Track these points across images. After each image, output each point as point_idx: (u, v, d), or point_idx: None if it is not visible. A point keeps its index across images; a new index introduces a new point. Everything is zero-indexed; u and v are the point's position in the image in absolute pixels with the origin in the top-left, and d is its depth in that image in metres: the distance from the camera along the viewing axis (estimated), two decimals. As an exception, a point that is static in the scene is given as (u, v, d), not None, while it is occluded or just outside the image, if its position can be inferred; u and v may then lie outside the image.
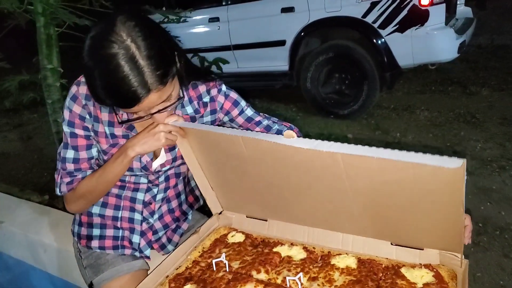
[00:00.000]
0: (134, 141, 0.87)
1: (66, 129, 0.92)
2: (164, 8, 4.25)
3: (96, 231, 1.06)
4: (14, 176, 3.19)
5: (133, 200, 1.03)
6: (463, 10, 3.91)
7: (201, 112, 1.00)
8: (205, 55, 2.75)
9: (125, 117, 0.89)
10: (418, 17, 3.12)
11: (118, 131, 0.94)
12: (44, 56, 2.26)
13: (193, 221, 1.18)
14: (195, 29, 4.21)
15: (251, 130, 1.03)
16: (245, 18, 3.92)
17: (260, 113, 1.08)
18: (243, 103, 1.05)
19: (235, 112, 1.04)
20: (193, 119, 1.00)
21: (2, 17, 2.40)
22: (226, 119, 1.05)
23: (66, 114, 0.91)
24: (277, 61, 3.89)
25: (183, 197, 1.13)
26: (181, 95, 0.85)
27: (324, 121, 3.73)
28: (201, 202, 1.21)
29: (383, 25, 3.28)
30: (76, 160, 0.93)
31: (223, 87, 1.02)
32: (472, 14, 3.98)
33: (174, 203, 1.10)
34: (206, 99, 1.00)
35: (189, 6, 3.90)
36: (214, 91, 1.01)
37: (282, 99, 4.44)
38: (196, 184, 1.20)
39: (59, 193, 0.97)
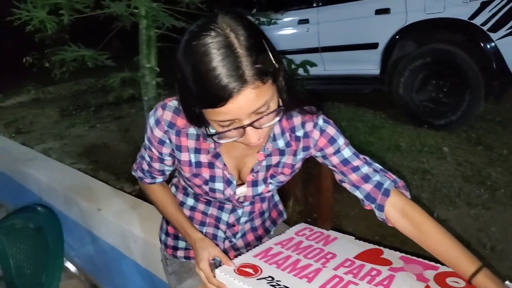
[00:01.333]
0: (198, 257, 0.90)
1: (146, 141, 0.91)
2: (254, 10, 4.35)
3: (181, 244, 1.08)
4: (112, 165, 3.49)
5: (218, 219, 1.01)
6: None
7: (293, 146, 0.90)
8: (292, 57, 2.71)
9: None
10: (540, 18, 2.72)
11: (204, 158, 0.88)
12: (143, 55, 2.42)
13: (275, 234, 1.14)
14: (283, 31, 4.21)
15: (346, 176, 0.90)
16: (336, 20, 3.81)
17: (361, 156, 0.92)
18: (341, 140, 0.89)
19: (330, 150, 0.89)
20: (282, 153, 0.90)
21: (109, 19, 2.61)
22: (318, 154, 0.92)
23: (148, 131, 0.88)
24: (367, 64, 3.70)
25: (266, 214, 1.10)
26: (280, 105, 0.72)
27: (417, 131, 3.44)
28: (285, 216, 1.17)
29: (495, 28, 2.92)
30: (150, 165, 0.95)
31: (320, 121, 0.88)
32: None
33: (258, 222, 1.08)
34: (300, 133, 0.89)
35: (279, 8, 3.95)
36: (309, 125, 0.88)
37: (370, 104, 4.22)
38: (280, 198, 1.17)
39: (132, 173, 1.03)
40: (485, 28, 2.97)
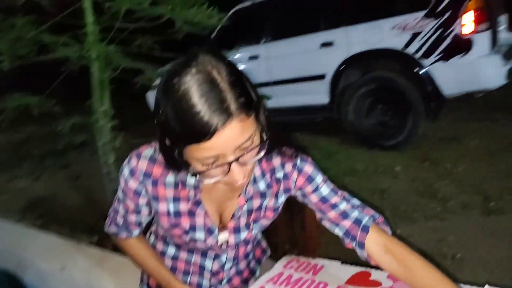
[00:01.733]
0: None
1: (120, 193, 0.87)
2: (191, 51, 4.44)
3: None
4: (64, 217, 3.28)
5: (202, 267, 0.96)
6: (506, 36, 3.79)
7: (274, 188, 0.88)
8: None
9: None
10: (462, 45, 3.08)
11: (184, 207, 0.84)
12: (96, 99, 2.37)
13: (261, 272, 1.09)
14: (235, 68, 4.32)
15: (325, 214, 0.89)
16: (284, 55, 4.00)
17: (339, 192, 0.90)
18: (318, 178, 0.87)
19: (308, 189, 0.87)
20: (263, 196, 0.88)
21: (56, 63, 2.54)
22: (298, 194, 0.90)
23: (122, 182, 0.84)
24: (317, 94, 3.90)
25: (251, 255, 1.06)
26: (265, 139, 0.70)
27: (369, 154, 3.63)
28: (269, 252, 1.13)
29: (426, 55, 3.24)
30: (125, 218, 0.91)
31: (298, 161, 0.87)
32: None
33: (243, 264, 1.04)
34: (280, 174, 0.87)
35: (231, 47, 4.08)
36: (289, 166, 0.86)
37: (324, 132, 4.41)
38: (263, 236, 1.13)
39: (106, 230, 0.98)
40: (417, 55, 3.28)
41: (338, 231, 0.89)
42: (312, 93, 3.92)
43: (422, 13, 3.18)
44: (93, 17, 2.27)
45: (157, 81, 2.98)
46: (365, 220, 0.86)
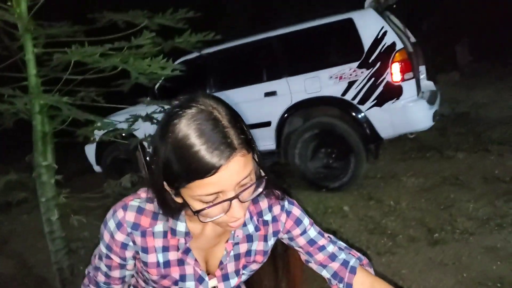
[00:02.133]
0: None
1: (103, 248, 0.83)
2: (148, 99, 4.43)
3: None
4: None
5: None
6: (426, 84, 4.29)
7: (261, 231, 0.88)
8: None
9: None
10: (393, 92, 3.40)
11: (173, 256, 0.82)
12: (39, 153, 2.24)
13: None
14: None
15: (312, 256, 0.90)
16: (231, 103, 4.10)
17: (325, 234, 0.93)
18: (306, 221, 0.89)
19: (296, 231, 0.88)
20: (250, 239, 0.87)
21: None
22: (285, 237, 0.91)
23: (106, 236, 0.80)
24: (264, 141, 4.01)
25: None
26: (262, 175, 0.73)
27: (317, 195, 3.75)
28: None
29: (362, 101, 3.53)
30: (107, 275, 0.87)
31: (286, 203, 0.88)
32: (435, 87, 4.37)
33: None
34: (268, 217, 0.87)
35: (175, 97, 4.09)
36: (277, 209, 0.87)
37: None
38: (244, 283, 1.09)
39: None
40: (355, 102, 3.57)
41: (325, 273, 0.90)
42: (260, 140, 4.02)
43: (356, 64, 3.51)
44: (36, 69, 2.20)
45: (97, 134, 2.90)
46: (352, 261, 0.89)
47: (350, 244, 2.73)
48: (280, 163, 4.12)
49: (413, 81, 3.41)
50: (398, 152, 4.85)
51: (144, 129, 2.63)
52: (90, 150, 5.04)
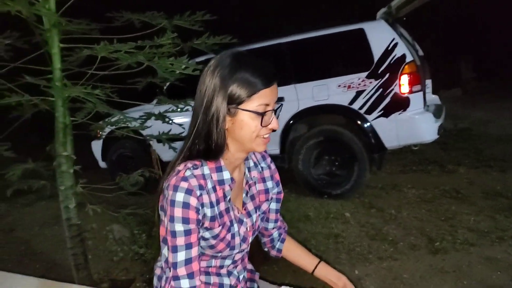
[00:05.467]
0: None
1: (179, 227, 0.87)
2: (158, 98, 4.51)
3: None
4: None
5: (221, 286, 1.04)
6: (432, 98, 4.39)
7: (259, 175, 1.10)
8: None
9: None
10: (400, 103, 3.49)
11: (222, 206, 0.97)
12: (60, 144, 2.31)
13: None
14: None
15: (266, 222, 1.19)
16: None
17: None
18: (280, 189, 1.19)
19: (274, 191, 1.15)
20: (255, 183, 1.09)
21: (7, 109, 2.46)
22: (275, 191, 1.17)
23: (179, 211, 0.87)
24: (269, 145, 4.06)
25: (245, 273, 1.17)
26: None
27: (319, 201, 3.82)
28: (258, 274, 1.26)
29: (369, 111, 3.62)
30: (188, 261, 0.89)
31: (269, 160, 1.17)
32: (440, 101, 4.47)
33: (247, 272, 1.17)
34: (263, 164, 1.13)
35: (184, 98, 4.17)
36: (268, 159, 1.16)
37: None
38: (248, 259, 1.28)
39: None
40: (362, 111, 3.65)
41: (265, 239, 1.23)
42: (266, 144, 4.10)
43: (364, 74, 3.60)
44: (60, 63, 2.28)
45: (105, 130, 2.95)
46: (283, 234, 1.23)
47: (351, 249, 2.80)
48: (283, 168, 4.19)
49: (421, 93, 3.49)
50: (400, 164, 4.94)
51: (156, 128, 2.73)
52: (97, 146, 5.11)
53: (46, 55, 2.27)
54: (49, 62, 2.32)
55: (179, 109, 2.71)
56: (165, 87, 4.67)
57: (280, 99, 3.99)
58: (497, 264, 2.42)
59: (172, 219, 0.87)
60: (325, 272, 1.16)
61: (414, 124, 3.47)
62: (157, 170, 2.85)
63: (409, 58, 3.45)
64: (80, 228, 2.20)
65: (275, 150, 4.13)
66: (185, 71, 2.09)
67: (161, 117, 2.69)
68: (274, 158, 4.07)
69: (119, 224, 3.40)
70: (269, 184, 1.12)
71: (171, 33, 2.26)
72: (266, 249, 1.25)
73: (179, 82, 3.42)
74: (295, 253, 1.21)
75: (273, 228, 1.21)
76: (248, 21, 10.14)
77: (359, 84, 3.62)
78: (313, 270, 1.17)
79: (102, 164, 5.19)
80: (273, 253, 1.23)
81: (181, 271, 0.88)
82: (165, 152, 3.90)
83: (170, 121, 2.64)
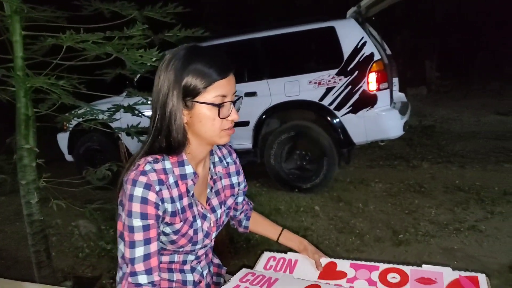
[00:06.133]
0: None
1: (137, 223, 0.85)
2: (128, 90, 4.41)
3: None
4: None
5: (184, 283, 1.04)
6: (398, 95, 4.53)
7: (223, 170, 1.10)
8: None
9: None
10: (368, 100, 3.58)
11: (185, 201, 0.95)
12: (21, 136, 2.22)
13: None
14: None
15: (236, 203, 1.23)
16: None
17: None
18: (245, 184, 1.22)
19: (241, 186, 1.17)
20: (220, 178, 1.10)
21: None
22: (242, 187, 1.18)
23: (137, 206, 0.85)
24: (242, 140, 4.10)
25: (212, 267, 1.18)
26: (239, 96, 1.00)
27: (289, 195, 3.87)
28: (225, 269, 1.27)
29: (338, 107, 3.69)
30: (147, 257, 0.86)
31: (237, 158, 1.17)
32: (406, 99, 4.62)
33: (213, 269, 1.17)
34: (229, 159, 1.13)
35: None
36: (234, 154, 1.16)
37: (245, 175, 4.56)
38: (214, 253, 1.29)
39: None
40: (331, 107, 3.72)
41: (233, 222, 1.30)
42: (238, 138, 4.11)
43: (334, 71, 3.67)
44: (22, 51, 2.19)
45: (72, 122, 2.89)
46: (248, 213, 1.29)
47: (320, 241, 2.87)
48: (255, 163, 4.22)
49: (388, 91, 3.60)
50: (368, 159, 5.08)
51: (125, 120, 2.67)
52: (63, 139, 4.94)
53: (7, 42, 2.17)
54: (10, 50, 2.22)
55: (149, 102, 2.65)
56: (135, 79, 4.57)
57: (253, 94, 4.01)
58: (454, 254, 2.55)
59: (130, 214, 0.85)
60: (288, 238, 1.24)
61: (381, 121, 3.58)
62: (125, 163, 2.79)
63: (377, 56, 3.54)
64: (43, 224, 2.13)
65: (248, 144, 4.15)
66: (155, 64, 2.05)
67: (130, 109, 2.63)
68: (246, 152, 4.16)
69: (86, 219, 3.32)
70: (234, 179, 1.12)
71: (142, 24, 2.21)
72: (233, 227, 1.31)
73: (149, 75, 3.35)
74: (260, 225, 1.29)
75: (240, 213, 1.26)
76: (222, 16, 10.06)
77: (329, 81, 3.68)
78: (277, 238, 1.25)
79: (69, 158, 5.03)
80: (241, 230, 1.29)
81: (139, 267, 0.86)
82: (134, 146, 3.84)
83: (140, 114, 2.59)
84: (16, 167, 2.21)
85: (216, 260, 1.22)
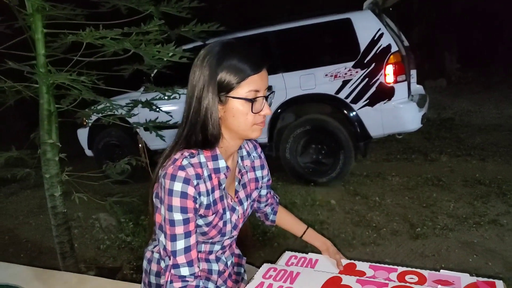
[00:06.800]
0: None
1: (178, 217, 0.89)
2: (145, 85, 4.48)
3: None
4: None
5: (209, 272, 1.06)
6: (416, 88, 4.46)
7: (250, 164, 1.12)
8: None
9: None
10: (385, 92, 3.54)
11: (217, 194, 0.98)
12: (45, 131, 2.29)
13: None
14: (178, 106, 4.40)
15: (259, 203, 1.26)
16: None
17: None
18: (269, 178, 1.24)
19: (265, 179, 1.19)
20: (247, 172, 1.12)
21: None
22: (265, 180, 1.20)
23: (177, 201, 0.88)
24: (257, 134, 4.10)
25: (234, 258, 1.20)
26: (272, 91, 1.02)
27: (305, 189, 3.87)
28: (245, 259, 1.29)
29: (355, 100, 3.66)
30: (187, 249, 0.91)
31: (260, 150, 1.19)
32: (424, 91, 4.55)
33: (236, 258, 1.19)
34: (255, 153, 1.14)
35: (172, 85, 4.15)
36: (259, 149, 1.17)
37: (261, 170, 4.59)
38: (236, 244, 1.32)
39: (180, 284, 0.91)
40: (348, 100, 3.70)
41: (262, 211, 1.31)
42: (253, 132, 4.12)
43: (351, 64, 3.63)
44: (44, 49, 2.25)
45: (93, 117, 2.99)
46: (275, 207, 1.31)
47: (336, 235, 2.87)
48: (271, 156, 4.24)
49: (405, 83, 3.55)
50: (384, 153, 5.03)
51: (143, 115, 2.72)
52: (83, 134, 5.06)
53: (30, 40, 2.24)
54: (33, 48, 2.29)
55: (166, 97, 2.69)
56: (152, 75, 4.63)
57: (269, 88, 3.99)
58: (474, 248, 2.52)
59: (170, 208, 0.88)
60: (312, 237, 1.28)
61: (399, 113, 3.54)
62: (143, 158, 2.84)
63: (394, 48, 3.49)
64: (66, 216, 2.20)
65: (263, 138, 4.16)
66: (172, 59, 2.08)
67: (148, 104, 2.67)
68: (262, 146, 4.16)
69: (106, 212, 3.40)
70: (259, 173, 1.15)
71: (158, 20, 2.24)
72: (260, 219, 1.35)
73: (166, 70, 3.42)
74: (286, 221, 1.33)
75: (266, 206, 1.28)
76: (237, 9, 10.05)
77: (346, 74, 3.65)
78: (302, 235, 1.28)
79: (88, 152, 5.14)
80: (268, 223, 1.32)
81: (181, 259, 0.90)
82: (152, 140, 3.91)
83: (157, 109, 2.63)
84: (40, 161, 2.29)
85: (237, 251, 1.24)
